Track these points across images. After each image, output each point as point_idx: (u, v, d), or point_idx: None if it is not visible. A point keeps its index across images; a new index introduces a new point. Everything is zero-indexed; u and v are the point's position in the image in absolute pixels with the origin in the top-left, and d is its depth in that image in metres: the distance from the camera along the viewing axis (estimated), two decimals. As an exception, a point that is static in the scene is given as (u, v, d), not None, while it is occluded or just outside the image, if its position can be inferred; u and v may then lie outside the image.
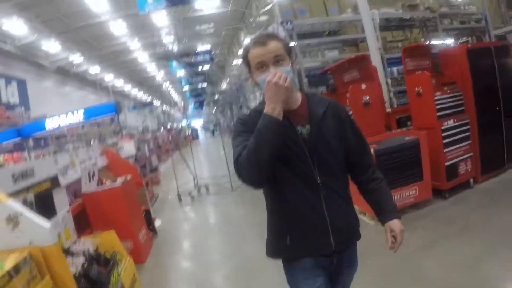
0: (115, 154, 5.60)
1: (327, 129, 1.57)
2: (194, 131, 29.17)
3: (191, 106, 26.55)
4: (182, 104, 32.19)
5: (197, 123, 26.85)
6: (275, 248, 1.67)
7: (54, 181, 3.27)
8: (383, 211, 1.67)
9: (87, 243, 2.91)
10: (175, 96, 37.57)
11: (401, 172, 4.23)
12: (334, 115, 1.61)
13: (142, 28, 16.11)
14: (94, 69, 20.52)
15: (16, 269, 1.98)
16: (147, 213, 5.29)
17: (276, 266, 1.80)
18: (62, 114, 7.46)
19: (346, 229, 1.62)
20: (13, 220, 2.21)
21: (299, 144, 1.53)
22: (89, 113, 7.27)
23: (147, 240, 4.77)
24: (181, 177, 8.48)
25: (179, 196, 7.50)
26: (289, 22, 8.11)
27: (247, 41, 19.88)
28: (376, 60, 7.12)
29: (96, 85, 23.15)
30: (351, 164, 1.69)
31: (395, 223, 1.62)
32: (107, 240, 3.25)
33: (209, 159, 8.76)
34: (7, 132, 7.78)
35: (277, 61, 1.50)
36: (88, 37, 15.94)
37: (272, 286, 3.25)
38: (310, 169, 1.54)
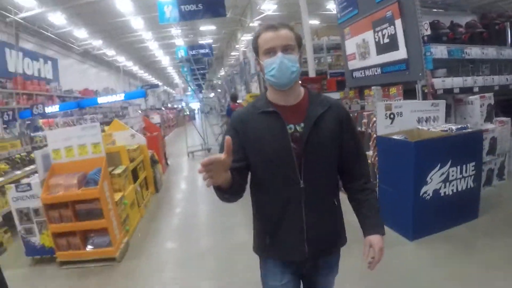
0: (149, 120, 10.43)
1: (323, 131, 1.56)
2: (192, 112, 33.64)
3: (190, 89, 30.47)
4: (182, 87, 37.03)
5: (195, 105, 31.10)
6: (257, 245, 1.74)
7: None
8: (366, 225, 1.66)
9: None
10: (177, 79, 42.58)
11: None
12: (334, 117, 1.60)
13: (156, 23, 20.50)
14: (110, 52, 25.24)
15: (136, 148, 6.77)
16: (165, 154, 10.14)
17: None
18: (109, 95, 12.16)
19: (324, 239, 1.63)
20: (133, 135, 7.03)
21: (285, 144, 1.52)
22: (128, 96, 11.99)
23: (164, 166, 9.63)
24: (177, 145, 13.26)
25: (188, 153, 12.41)
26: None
27: (243, 37, 24.57)
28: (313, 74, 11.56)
29: (110, 64, 28.03)
30: (343, 170, 1.70)
31: (375, 239, 1.59)
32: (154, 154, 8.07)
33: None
34: (71, 104, 12.53)
35: (286, 49, 1.51)
36: (111, 28, 20.44)
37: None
38: (294, 172, 1.53)
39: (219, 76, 38.07)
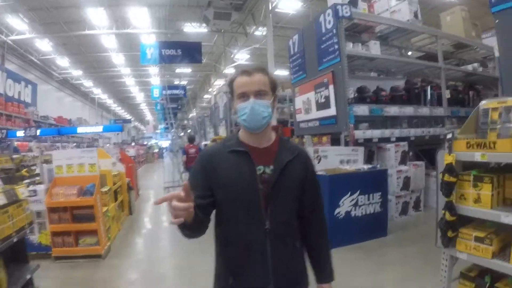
0: (124, 153, 11.80)
1: (291, 175, 1.64)
2: (161, 150, 34.70)
3: (161, 127, 31.56)
4: (153, 124, 38.53)
5: (165, 143, 32.35)
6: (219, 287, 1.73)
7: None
8: (319, 273, 1.86)
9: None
10: (149, 116, 44.12)
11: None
12: (301, 165, 1.71)
13: (135, 61, 21.46)
14: (88, 83, 26.75)
15: (117, 174, 8.14)
16: (136, 184, 11.47)
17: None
18: (86, 126, 13.46)
19: (289, 279, 1.68)
20: (114, 163, 8.42)
21: (253, 184, 1.58)
22: (106, 128, 13.38)
23: (137, 195, 10.93)
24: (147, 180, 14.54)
25: (164, 188, 13.67)
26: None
27: (216, 82, 26.56)
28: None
29: (85, 95, 29.58)
30: (302, 216, 1.77)
31: (327, 286, 1.85)
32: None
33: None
34: (52, 130, 13.72)
35: (258, 94, 1.57)
36: (93, 61, 22.00)
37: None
38: (260, 212, 1.59)
39: (190, 116, 39.77)
